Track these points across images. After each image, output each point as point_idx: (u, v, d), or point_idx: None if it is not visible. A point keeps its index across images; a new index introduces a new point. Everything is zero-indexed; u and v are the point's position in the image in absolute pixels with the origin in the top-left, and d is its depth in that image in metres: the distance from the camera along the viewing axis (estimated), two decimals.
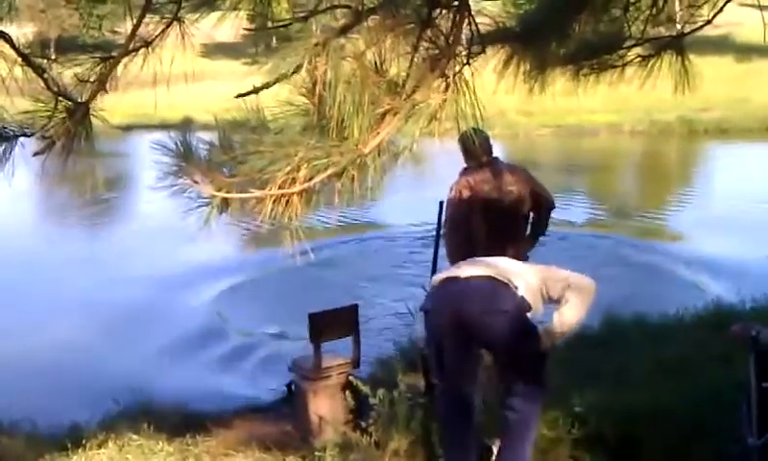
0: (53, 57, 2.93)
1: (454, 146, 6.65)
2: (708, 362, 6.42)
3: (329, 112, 2.45)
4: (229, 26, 3.02)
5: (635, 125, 30.54)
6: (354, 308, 6.65)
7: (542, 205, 6.87)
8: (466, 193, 6.60)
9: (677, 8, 4.68)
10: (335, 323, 6.53)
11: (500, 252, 6.03)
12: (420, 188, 15.99)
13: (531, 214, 6.88)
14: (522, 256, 6.51)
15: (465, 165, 6.82)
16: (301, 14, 3.02)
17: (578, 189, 21.29)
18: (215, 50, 54.23)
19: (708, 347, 6.92)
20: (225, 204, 2.56)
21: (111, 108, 3.05)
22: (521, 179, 6.78)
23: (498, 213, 6.57)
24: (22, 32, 2.99)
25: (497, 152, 7.01)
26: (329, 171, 2.46)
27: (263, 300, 12.05)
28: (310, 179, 2.45)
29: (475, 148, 6.60)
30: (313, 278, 11.35)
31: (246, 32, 3.45)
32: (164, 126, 19.43)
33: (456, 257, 6.55)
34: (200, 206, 2.61)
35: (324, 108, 2.45)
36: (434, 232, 6.77)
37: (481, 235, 6.57)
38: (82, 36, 51.79)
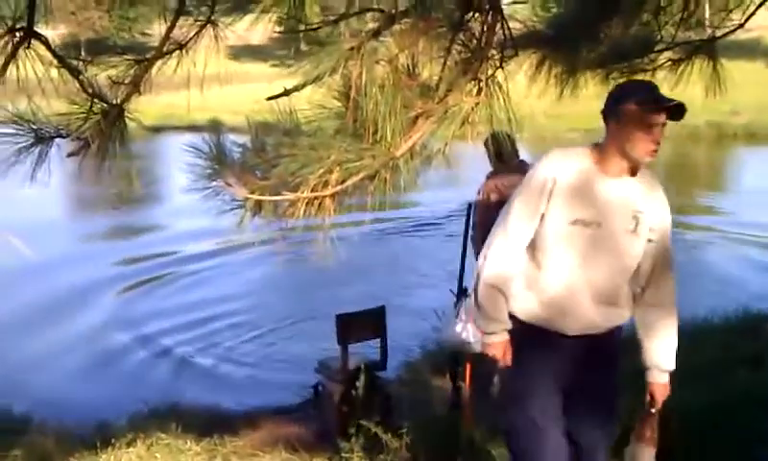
0: (86, 59, 2.96)
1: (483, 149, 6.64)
2: (738, 365, 6.38)
3: (362, 116, 2.46)
4: (258, 28, 3.03)
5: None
6: (381, 310, 6.65)
7: None
8: (494, 197, 6.57)
9: (707, 12, 4.65)
10: (362, 324, 6.54)
11: None
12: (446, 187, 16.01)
13: None
14: None
15: (491, 168, 6.79)
16: (332, 18, 3.02)
17: None
18: (243, 52, 54.41)
19: (737, 350, 6.88)
20: (258, 206, 2.57)
21: (141, 109, 3.07)
22: None
23: None
24: (56, 33, 3.02)
25: (524, 154, 6.98)
26: (362, 174, 2.47)
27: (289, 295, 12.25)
28: (343, 181, 2.46)
29: (507, 151, 6.61)
30: (335, 278, 11.37)
31: (275, 35, 3.46)
32: (192, 128, 19.57)
33: (481, 247, 6.59)
34: (233, 209, 2.63)
35: (358, 111, 2.46)
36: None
37: None
38: (112, 38, 52.16)
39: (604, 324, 3.79)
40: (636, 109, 3.47)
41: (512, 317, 3.79)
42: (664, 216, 3.76)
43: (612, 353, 3.95)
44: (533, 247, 3.70)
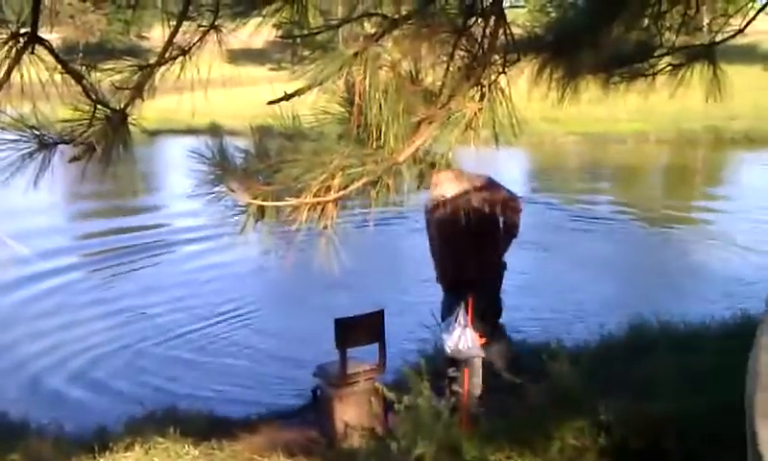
0: (86, 63, 2.96)
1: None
2: (736, 371, 6.36)
3: (365, 121, 2.46)
4: (257, 33, 3.03)
5: (661, 133, 30.36)
6: (380, 314, 6.66)
7: (510, 208, 7.13)
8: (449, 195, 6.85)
9: (706, 17, 4.66)
10: (361, 329, 6.54)
11: (479, 253, 6.85)
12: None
13: (502, 218, 7.15)
14: (500, 256, 7.18)
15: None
16: (334, 22, 3.02)
17: (603, 193, 21.33)
18: (240, 56, 54.21)
19: (735, 356, 6.85)
20: (260, 211, 2.57)
21: (141, 114, 3.07)
22: (487, 184, 7.02)
23: (472, 216, 6.79)
24: (54, 37, 3.02)
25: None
26: (364, 179, 2.47)
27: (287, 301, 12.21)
28: (345, 187, 2.46)
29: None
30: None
31: (273, 39, 3.46)
32: (191, 131, 19.55)
33: (448, 262, 7.04)
34: (235, 215, 2.63)
35: (361, 116, 2.46)
36: None
37: (463, 240, 6.87)
38: (111, 42, 52.10)
39: None
40: None
41: None
42: None
43: None
44: None
